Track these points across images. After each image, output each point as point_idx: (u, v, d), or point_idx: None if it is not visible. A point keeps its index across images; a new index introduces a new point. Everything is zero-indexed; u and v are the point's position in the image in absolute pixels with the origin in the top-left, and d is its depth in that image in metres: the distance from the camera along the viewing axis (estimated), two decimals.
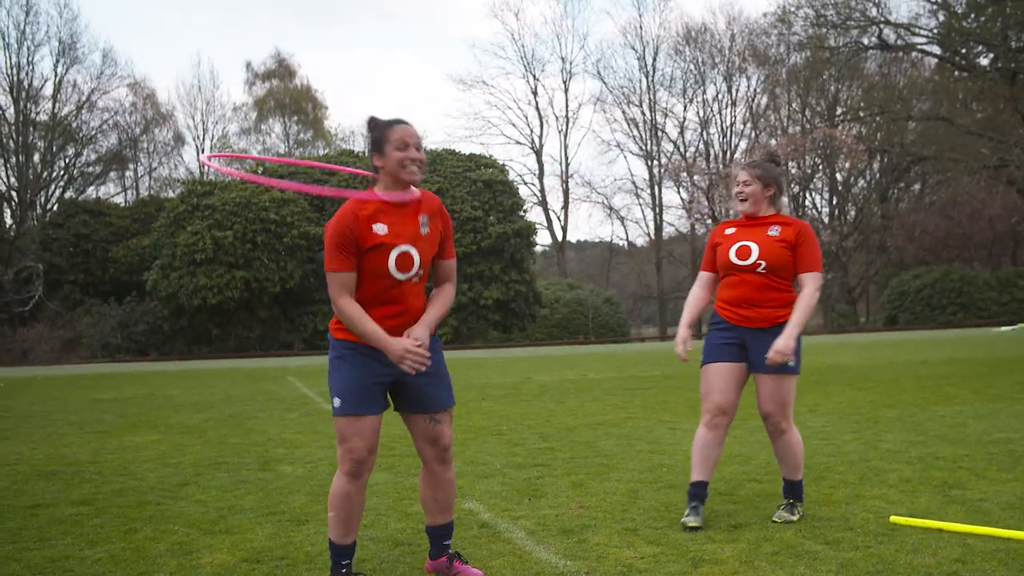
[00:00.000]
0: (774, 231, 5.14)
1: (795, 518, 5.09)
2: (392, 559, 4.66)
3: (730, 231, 5.30)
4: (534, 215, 71.98)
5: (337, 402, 4.07)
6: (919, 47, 62.91)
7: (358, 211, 3.97)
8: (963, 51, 60.28)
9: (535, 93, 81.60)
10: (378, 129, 4.07)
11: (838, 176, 64.06)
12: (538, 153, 72.73)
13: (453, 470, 4.36)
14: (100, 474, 7.50)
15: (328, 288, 4.00)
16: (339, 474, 4.11)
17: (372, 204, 4.01)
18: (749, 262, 5.11)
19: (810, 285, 5.09)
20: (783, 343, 4.93)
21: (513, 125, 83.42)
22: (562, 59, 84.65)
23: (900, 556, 4.36)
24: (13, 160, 58.76)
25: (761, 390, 5.17)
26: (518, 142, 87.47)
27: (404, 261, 4.03)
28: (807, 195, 62.63)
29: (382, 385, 4.10)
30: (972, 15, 59.07)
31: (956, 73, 61.65)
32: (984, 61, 59.72)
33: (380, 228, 3.98)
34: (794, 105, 66.56)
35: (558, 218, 73.98)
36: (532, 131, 76.63)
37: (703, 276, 5.45)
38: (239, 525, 5.46)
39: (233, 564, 4.60)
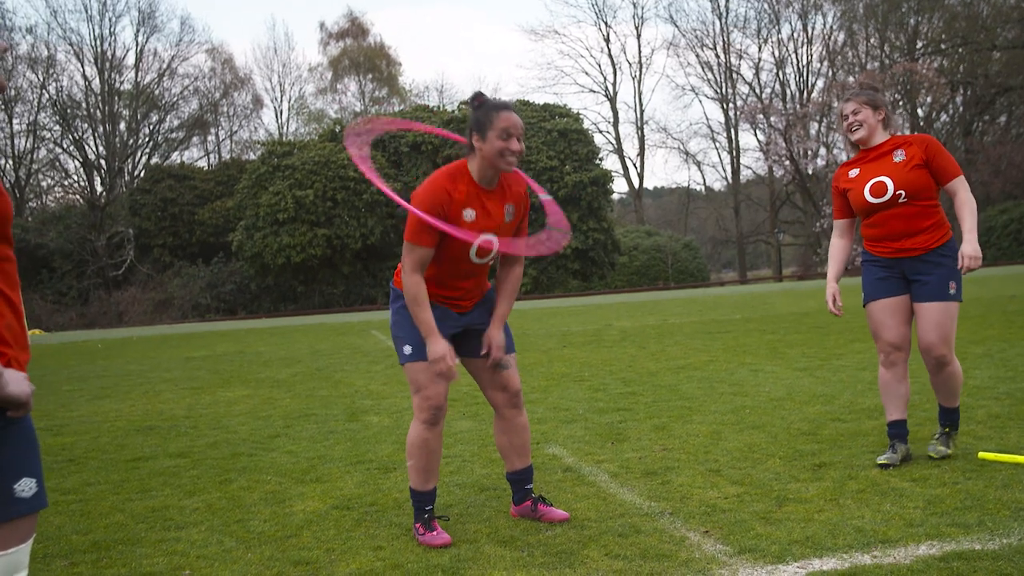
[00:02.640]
0: (899, 156, 4.87)
1: (950, 451, 4.89)
2: (478, 504, 4.72)
3: (854, 172, 5.00)
4: (610, 163, 71.79)
5: (408, 349, 4.08)
6: None
7: (452, 191, 3.94)
8: None
9: (607, 40, 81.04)
10: (484, 111, 3.97)
11: (919, 111, 62.23)
12: (612, 101, 72.21)
13: (525, 415, 4.37)
14: (195, 428, 7.70)
15: (403, 256, 3.98)
16: (416, 423, 4.14)
17: (464, 186, 3.98)
18: (888, 197, 4.84)
19: (961, 190, 4.81)
20: (971, 248, 4.70)
21: (586, 73, 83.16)
22: (633, 4, 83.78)
23: (989, 492, 4.28)
24: (101, 129, 60.13)
25: (923, 320, 4.88)
26: (592, 90, 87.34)
27: (484, 250, 4.04)
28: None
29: (451, 336, 4.13)
30: None
31: None
32: None
33: (469, 214, 3.96)
34: (872, 41, 64.69)
35: (634, 165, 73.75)
36: (605, 79, 76.43)
37: (839, 224, 5.21)
38: (329, 474, 5.58)
39: (324, 511, 4.70)
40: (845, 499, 4.33)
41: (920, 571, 3.33)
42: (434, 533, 4.05)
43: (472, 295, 4.20)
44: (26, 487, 2.15)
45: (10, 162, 58.21)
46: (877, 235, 4.96)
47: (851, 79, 58.81)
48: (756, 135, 64.01)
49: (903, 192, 4.81)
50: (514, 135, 3.93)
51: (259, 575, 3.75)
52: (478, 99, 4.02)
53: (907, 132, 4.99)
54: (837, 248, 5.22)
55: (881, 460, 4.91)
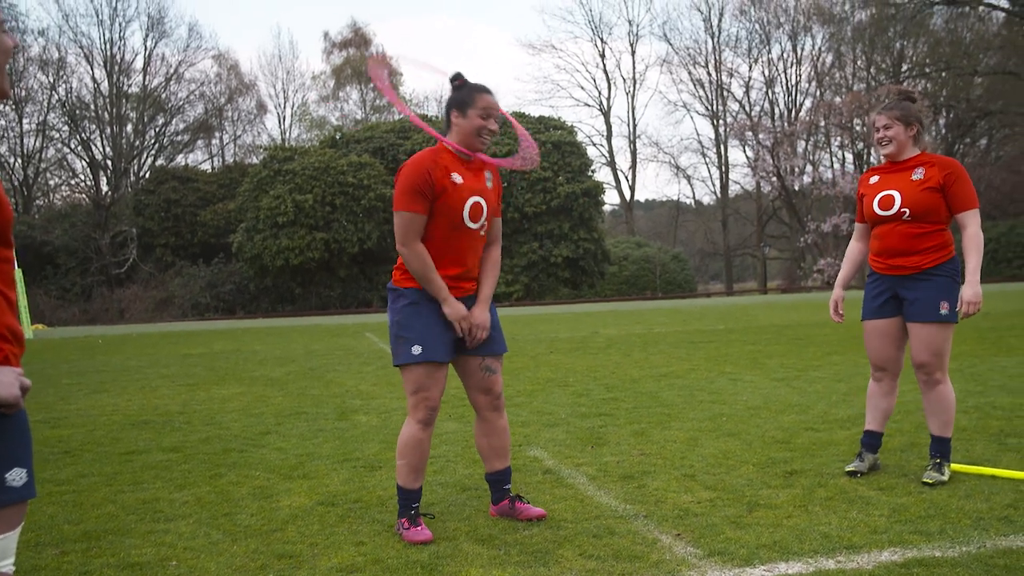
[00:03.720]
0: (918, 174, 4.72)
1: (946, 478, 4.66)
2: (459, 503, 4.73)
3: (874, 179, 4.90)
4: (602, 175, 72.08)
5: (418, 349, 4.04)
6: (987, 2, 60.81)
7: (437, 159, 4.02)
8: None
9: (603, 56, 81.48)
10: (467, 90, 4.10)
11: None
12: (606, 115, 72.32)
13: (506, 417, 4.38)
14: (189, 423, 7.70)
15: (398, 230, 3.98)
16: (411, 423, 4.14)
17: (448, 154, 4.07)
18: (892, 211, 4.72)
19: (972, 224, 4.66)
20: (971, 292, 4.58)
21: (581, 88, 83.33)
22: (629, 22, 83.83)
23: (952, 501, 4.32)
24: (108, 131, 60.04)
25: (915, 339, 4.76)
26: (586, 104, 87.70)
27: (476, 211, 4.08)
28: (871, 151, 61.09)
29: (454, 335, 4.14)
30: None
31: None
32: None
33: (457, 177, 4.03)
34: (859, 63, 64.83)
35: (626, 177, 74.09)
36: (600, 93, 76.83)
37: (858, 228, 5.11)
38: (316, 471, 5.58)
39: (310, 507, 4.71)
40: (814, 506, 4.36)
41: None
42: (418, 528, 4.07)
43: (472, 274, 4.20)
44: (17, 477, 2.17)
45: (19, 160, 58.26)
46: (877, 247, 4.88)
47: (838, 99, 59.01)
48: (745, 151, 64.61)
49: (907, 210, 4.69)
50: (492, 115, 4.08)
51: (244, 567, 3.76)
52: (459, 79, 4.16)
53: None
54: (852, 251, 5.14)
55: (849, 468, 4.92)
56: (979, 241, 4.67)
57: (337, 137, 52.17)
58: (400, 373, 4.21)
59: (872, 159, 59.56)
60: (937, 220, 4.71)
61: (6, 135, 58.36)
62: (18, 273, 26.66)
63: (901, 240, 4.75)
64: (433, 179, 3.96)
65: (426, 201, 3.96)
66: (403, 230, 3.98)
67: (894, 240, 4.77)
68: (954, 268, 4.76)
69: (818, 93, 65.40)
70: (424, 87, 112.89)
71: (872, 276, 4.95)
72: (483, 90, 4.10)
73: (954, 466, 4.92)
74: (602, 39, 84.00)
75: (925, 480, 4.69)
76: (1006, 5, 60.00)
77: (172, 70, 62.71)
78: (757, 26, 68.17)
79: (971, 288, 4.61)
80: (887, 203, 4.76)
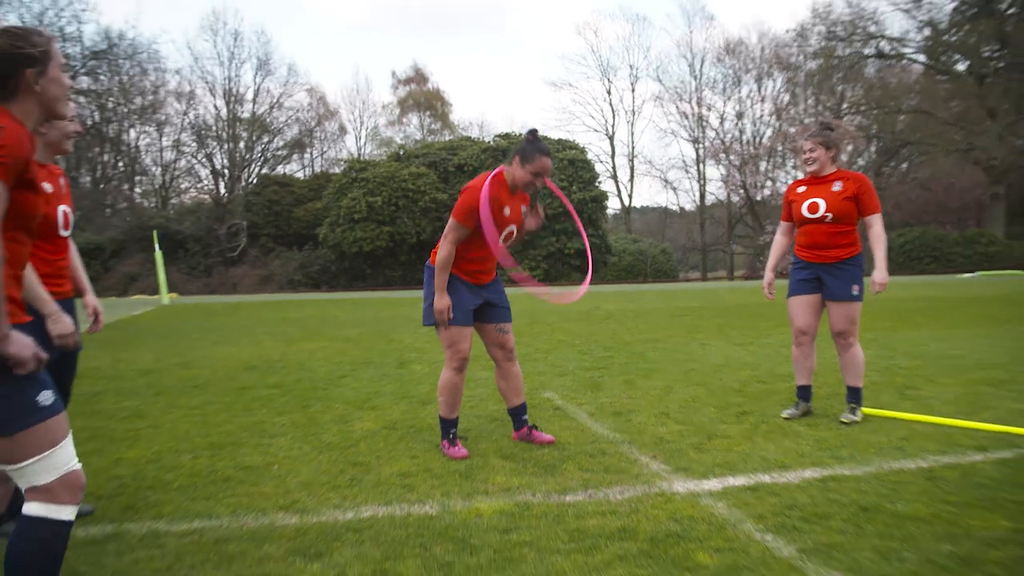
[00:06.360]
0: (837, 187, 4.77)
1: (858, 419, 4.76)
2: (489, 430, 4.85)
3: (801, 189, 4.92)
4: (606, 186, 71.11)
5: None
6: (908, 56, 59.81)
7: (499, 194, 4.08)
8: (943, 59, 57.35)
9: (609, 92, 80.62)
10: (532, 147, 4.07)
11: (843, 157, 61.41)
12: (611, 138, 71.76)
13: (518, 365, 4.46)
14: (285, 368, 7.85)
15: (447, 229, 4.07)
16: (448, 370, 4.26)
17: (504, 190, 4.12)
18: (818, 215, 4.78)
19: (877, 225, 4.73)
20: (881, 276, 4.69)
21: (592, 117, 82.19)
22: (630, 66, 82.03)
23: (861, 435, 4.39)
24: (225, 147, 60.28)
25: (834, 314, 4.82)
26: (595, 130, 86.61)
27: (509, 236, 4.20)
28: None
29: (475, 306, 4.25)
30: (952, 30, 56.15)
31: (937, 76, 58.64)
32: (960, 67, 56.85)
33: (507, 210, 4.13)
34: (809, 101, 63.89)
35: (625, 188, 73.40)
36: (606, 121, 75.93)
37: (783, 225, 5.14)
38: (381, 404, 5.72)
39: (376, 430, 4.85)
40: (757, 437, 4.44)
41: (804, 488, 3.45)
42: (455, 448, 4.19)
43: (494, 268, 4.31)
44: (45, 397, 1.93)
45: (159, 169, 58.70)
46: (804, 242, 4.92)
47: (792, 130, 58.35)
48: (719, 169, 63.77)
49: (830, 215, 4.75)
50: (543, 175, 4.08)
51: (327, 471, 3.91)
52: (533, 135, 4.12)
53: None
54: (778, 244, 5.16)
55: (784, 414, 4.98)
56: (884, 238, 4.75)
57: (400, 153, 52.11)
58: (436, 332, 4.31)
59: None
60: (850, 222, 4.79)
61: (150, 150, 58.96)
62: (159, 255, 27.09)
63: (824, 237, 4.82)
64: (491, 207, 4.02)
65: (474, 221, 4.02)
66: (450, 231, 4.07)
67: (819, 237, 4.84)
68: (860, 260, 4.84)
69: (777, 124, 64.62)
70: (468, 114, 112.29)
71: (799, 262, 4.98)
72: (544, 152, 4.06)
73: (864, 410, 4.98)
74: (608, 79, 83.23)
75: (842, 420, 4.77)
76: (923, 59, 59.09)
77: (275, 100, 62.61)
78: (731, 71, 67.24)
79: (880, 274, 4.70)
80: (814, 208, 4.81)
